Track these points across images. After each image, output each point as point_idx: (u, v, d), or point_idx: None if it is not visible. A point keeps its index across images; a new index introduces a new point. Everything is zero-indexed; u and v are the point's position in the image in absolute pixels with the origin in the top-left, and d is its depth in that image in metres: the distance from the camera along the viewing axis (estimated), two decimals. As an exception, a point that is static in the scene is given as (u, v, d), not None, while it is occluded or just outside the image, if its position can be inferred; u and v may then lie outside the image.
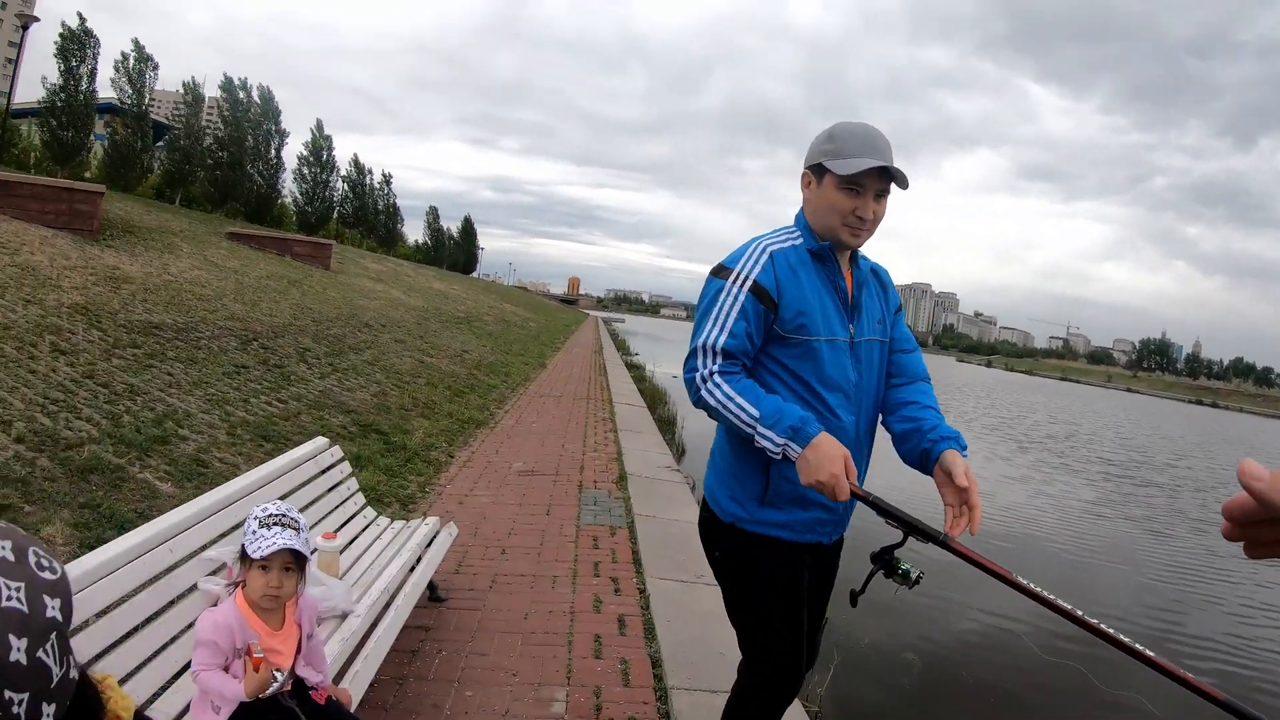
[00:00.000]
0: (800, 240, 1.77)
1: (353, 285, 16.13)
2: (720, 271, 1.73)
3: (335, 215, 38.33)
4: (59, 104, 21.30)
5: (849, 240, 1.71)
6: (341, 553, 2.88)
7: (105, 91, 24.52)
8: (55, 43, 21.57)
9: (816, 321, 1.69)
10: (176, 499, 3.89)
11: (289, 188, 34.10)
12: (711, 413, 1.66)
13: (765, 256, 1.71)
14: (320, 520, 3.08)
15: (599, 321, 49.62)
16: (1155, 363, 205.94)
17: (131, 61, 23.84)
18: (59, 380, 4.94)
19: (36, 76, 21.81)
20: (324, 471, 3.27)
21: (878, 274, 1.92)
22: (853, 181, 1.65)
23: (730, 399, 1.62)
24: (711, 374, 1.65)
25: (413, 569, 3.01)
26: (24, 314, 5.98)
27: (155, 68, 24.45)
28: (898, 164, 1.67)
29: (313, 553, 1.97)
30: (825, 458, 1.52)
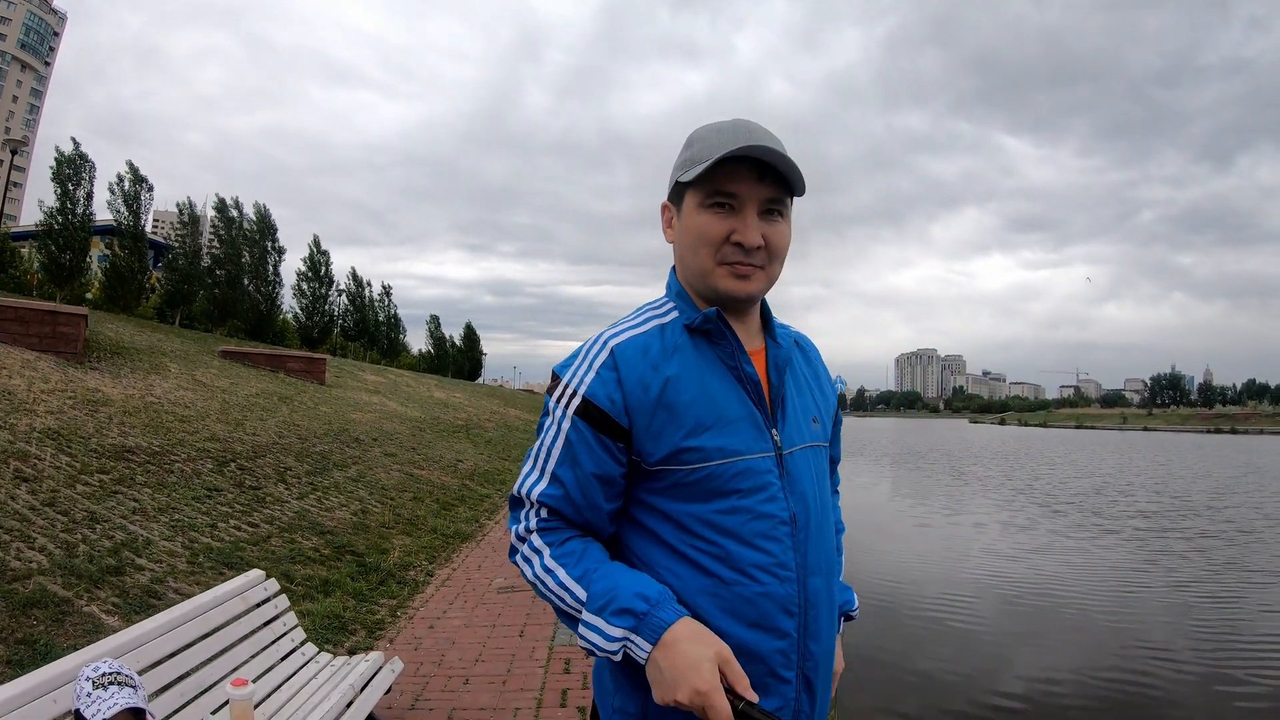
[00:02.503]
0: (673, 314, 1.19)
1: (347, 399, 16.05)
2: (553, 382, 1.18)
3: (337, 329, 38.59)
4: (56, 227, 21.56)
5: (733, 288, 1.11)
6: (259, 703, 2.62)
7: (104, 214, 24.72)
8: (50, 167, 22.09)
9: (716, 438, 1.09)
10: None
11: (289, 304, 34.25)
12: (535, 590, 1.15)
13: (603, 355, 1.13)
14: (247, 661, 2.83)
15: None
16: (1168, 397, 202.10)
17: (127, 184, 24.19)
18: (16, 508, 4.84)
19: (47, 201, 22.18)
20: (254, 608, 3.05)
21: (803, 348, 1.32)
22: (719, 190, 1.09)
23: (549, 573, 1.09)
24: (530, 532, 1.14)
25: (342, 714, 2.73)
26: (-12, 440, 5.85)
27: (150, 189, 24.81)
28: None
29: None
30: (685, 663, 0.95)
